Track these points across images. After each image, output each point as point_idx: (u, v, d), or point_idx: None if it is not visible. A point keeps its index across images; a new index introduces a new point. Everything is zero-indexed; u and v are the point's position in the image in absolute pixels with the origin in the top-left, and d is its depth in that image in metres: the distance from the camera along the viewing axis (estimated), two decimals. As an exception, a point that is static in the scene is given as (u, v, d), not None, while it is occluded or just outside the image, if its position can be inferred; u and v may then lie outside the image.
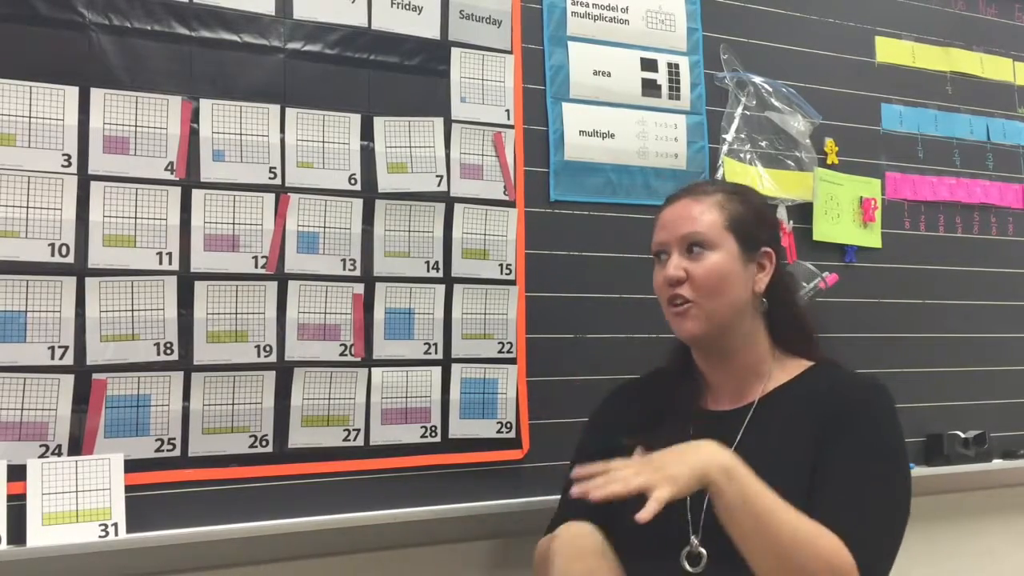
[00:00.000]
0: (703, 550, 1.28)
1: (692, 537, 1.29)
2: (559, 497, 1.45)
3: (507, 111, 1.79)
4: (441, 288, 1.70)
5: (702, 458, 1.21)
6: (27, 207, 1.43)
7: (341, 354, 1.62)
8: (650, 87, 1.94)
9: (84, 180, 1.47)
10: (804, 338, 1.42)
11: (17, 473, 1.39)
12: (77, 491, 1.41)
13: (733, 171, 1.99)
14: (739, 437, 1.34)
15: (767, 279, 1.38)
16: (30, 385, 1.41)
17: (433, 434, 1.67)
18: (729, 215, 1.37)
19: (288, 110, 1.61)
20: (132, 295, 1.48)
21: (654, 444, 1.34)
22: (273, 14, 1.62)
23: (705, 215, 1.37)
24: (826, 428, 1.29)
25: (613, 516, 1.30)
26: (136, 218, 1.50)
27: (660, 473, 1.18)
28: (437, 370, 1.69)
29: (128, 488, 1.44)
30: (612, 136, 1.88)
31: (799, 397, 1.35)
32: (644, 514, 1.14)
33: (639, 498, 1.16)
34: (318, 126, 1.64)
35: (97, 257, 1.47)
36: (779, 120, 2.07)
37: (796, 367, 1.40)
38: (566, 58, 1.86)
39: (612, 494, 1.18)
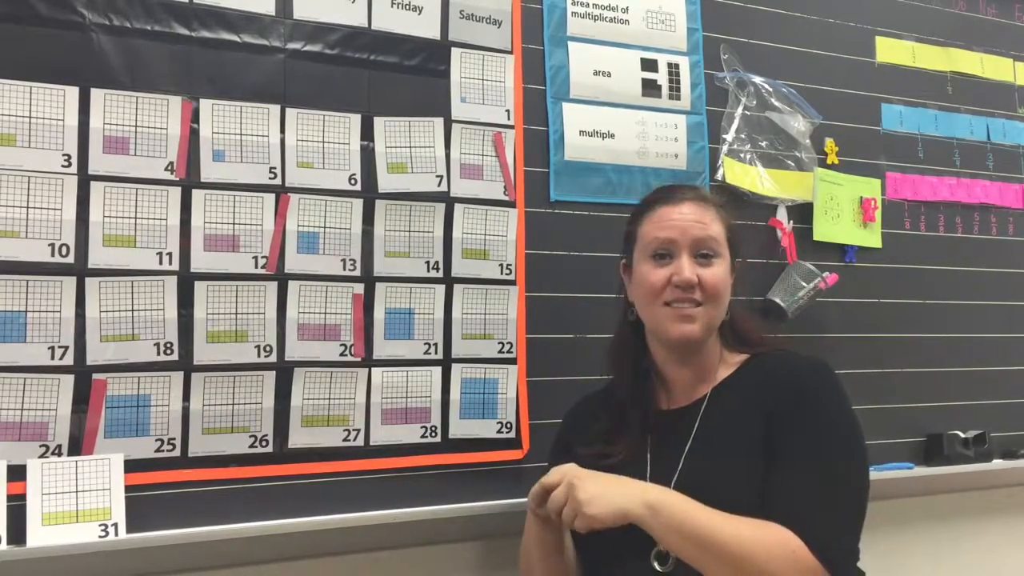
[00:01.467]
0: None
1: None
2: None
3: (507, 111, 1.79)
4: (441, 288, 1.70)
5: (625, 497, 1.26)
6: (27, 207, 1.43)
7: (341, 354, 1.62)
8: (650, 87, 1.94)
9: (84, 180, 1.47)
10: (746, 337, 1.46)
11: (17, 473, 1.39)
12: (77, 491, 1.41)
13: (733, 171, 1.99)
14: (694, 430, 1.37)
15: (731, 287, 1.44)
16: (30, 385, 1.41)
17: (433, 434, 1.67)
18: (727, 226, 1.43)
19: (288, 110, 1.61)
20: (132, 295, 1.48)
21: (611, 452, 1.40)
22: (273, 14, 1.62)
23: (715, 223, 1.41)
24: (775, 409, 1.31)
25: None
26: (136, 218, 1.50)
27: (580, 510, 1.26)
28: (437, 370, 1.69)
29: (128, 488, 1.44)
30: (612, 136, 1.88)
31: (747, 384, 1.38)
32: None
33: None
34: (318, 126, 1.64)
35: (97, 257, 1.47)
36: (779, 120, 2.07)
37: (737, 360, 1.44)
38: (566, 58, 1.86)
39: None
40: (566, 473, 1.32)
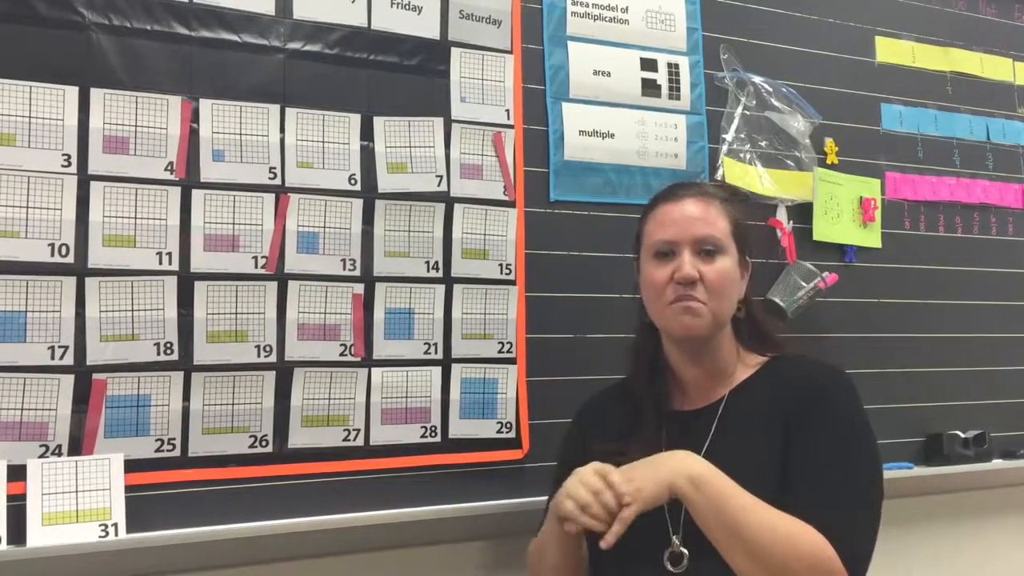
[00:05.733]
0: (684, 550, 1.29)
1: (673, 537, 1.30)
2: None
3: (507, 111, 1.79)
4: (441, 288, 1.70)
5: (669, 469, 1.26)
6: (27, 207, 1.43)
7: (341, 354, 1.62)
8: (650, 87, 1.94)
9: (84, 180, 1.47)
10: (765, 338, 1.45)
11: (17, 473, 1.39)
12: (77, 491, 1.41)
13: (733, 171, 1.99)
14: (711, 434, 1.36)
15: (745, 285, 1.43)
16: (30, 385, 1.42)
17: (433, 434, 1.67)
18: (733, 222, 1.41)
19: (288, 110, 1.61)
20: (132, 295, 1.48)
21: (627, 450, 1.37)
22: (273, 14, 1.62)
23: (719, 219, 1.39)
24: (793, 416, 1.31)
25: None
26: (136, 218, 1.50)
27: (630, 491, 1.24)
28: (437, 370, 1.69)
29: (128, 488, 1.44)
30: (612, 136, 1.88)
31: (764, 389, 1.38)
32: (609, 538, 1.23)
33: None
34: (318, 126, 1.64)
35: (97, 257, 1.47)
36: (779, 120, 2.07)
37: (756, 361, 1.43)
38: (566, 58, 1.87)
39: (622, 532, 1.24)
40: (599, 469, 1.28)
